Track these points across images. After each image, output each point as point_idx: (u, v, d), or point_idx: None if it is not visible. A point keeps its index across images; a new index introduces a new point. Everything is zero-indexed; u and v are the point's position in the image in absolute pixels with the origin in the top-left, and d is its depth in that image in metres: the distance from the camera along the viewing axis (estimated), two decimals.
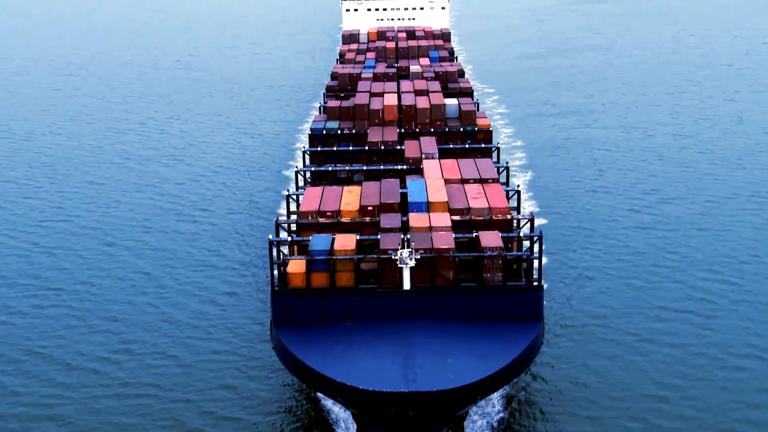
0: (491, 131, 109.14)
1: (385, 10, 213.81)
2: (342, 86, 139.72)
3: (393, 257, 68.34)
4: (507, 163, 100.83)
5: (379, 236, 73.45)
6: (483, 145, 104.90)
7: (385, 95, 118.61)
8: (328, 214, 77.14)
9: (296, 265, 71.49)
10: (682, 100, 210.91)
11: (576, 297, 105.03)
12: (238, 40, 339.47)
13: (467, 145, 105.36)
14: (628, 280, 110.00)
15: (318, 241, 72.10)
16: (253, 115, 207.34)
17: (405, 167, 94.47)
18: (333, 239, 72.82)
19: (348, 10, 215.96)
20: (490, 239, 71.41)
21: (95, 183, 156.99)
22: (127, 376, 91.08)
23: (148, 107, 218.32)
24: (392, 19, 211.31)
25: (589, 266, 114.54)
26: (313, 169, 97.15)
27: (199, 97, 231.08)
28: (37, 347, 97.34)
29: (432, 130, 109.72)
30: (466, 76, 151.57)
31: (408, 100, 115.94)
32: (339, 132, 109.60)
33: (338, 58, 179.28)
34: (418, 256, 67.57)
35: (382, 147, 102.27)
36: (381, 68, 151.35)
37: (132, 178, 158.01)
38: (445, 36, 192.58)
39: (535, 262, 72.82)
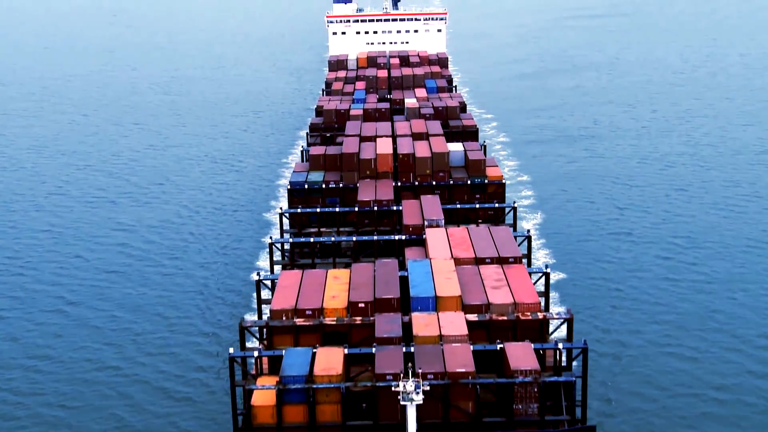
0: (504, 184, 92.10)
1: (375, 33, 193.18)
2: (328, 124, 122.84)
3: (393, 387, 50.82)
4: (528, 231, 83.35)
5: (373, 350, 56.23)
6: (497, 204, 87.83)
7: (377, 140, 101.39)
8: (307, 312, 59.89)
9: (264, 397, 54.03)
10: (698, 126, 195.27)
11: (615, 373, 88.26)
12: (222, 60, 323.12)
13: (477, 205, 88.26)
14: (671, 348, 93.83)
15: (293, 360, 54.88)
16: (235, 145, 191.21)
17: (404, 237, 77.16)
18: (313, 355, 55.59)
19: (335, 34, 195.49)
20: (521, 357, 54.25)
21: (57, 227, 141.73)
22: None
23: (122, 137, 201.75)
24: (383, 43, 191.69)
25: (622, 329, 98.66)
26: (291, 240, 79.68)
27: (177, 124, 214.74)
28: None
29: (434, 183, 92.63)
30: (468, 110, 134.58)
31: (405, 146, 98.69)
32: (324, 186, 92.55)
33: (324, 87, 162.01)
34: (427, 386, 50.06)
35: (375, 207, 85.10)
36: (372, 101, 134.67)
37: (99, 220, 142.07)
38: (442, 61, 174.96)
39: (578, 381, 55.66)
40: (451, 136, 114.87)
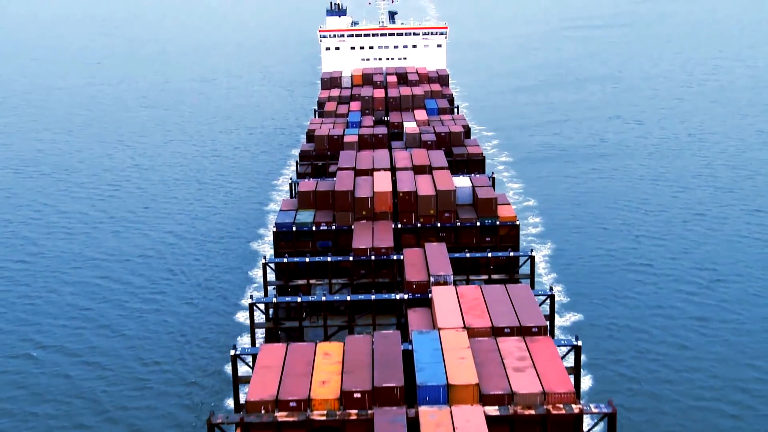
0: (518, 226, 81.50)
1: (371, 48, 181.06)
2: (320, 151, 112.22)
3: None
4: (551, 289, 72.43)
5: None
6: (512, 253, 77.24)
7: (374, 175, 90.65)
8: (291, 404, 49.39)
9: None
10: (711, 144, 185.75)
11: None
12: (213, 72, 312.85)
13: (489, 254, 77.60)
14: (708, 402, 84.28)
15: None
16: (225, 165, 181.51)
17: (406, 296, 66.59)
18: None
19: (328, 49, 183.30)
20: None
21: (33, 255, 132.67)
22: None
23: (106, 156, 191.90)
24: (380, 59, 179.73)
25: (651, 378, 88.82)
26: (275, 300, 69.09)
27: (164, 142, 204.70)
28: None
29: (439, 225, 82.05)
30: (473, 136, 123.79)
31: (406, 182, 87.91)
32: (314, 228, 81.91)
33: (316, 108, 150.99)
34: None
35: (373, 257, 74.47)
36: (368, 124, 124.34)
37: (77, 249, 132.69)
38: (443, 79, 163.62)
39: None
40: (455, 165, 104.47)
